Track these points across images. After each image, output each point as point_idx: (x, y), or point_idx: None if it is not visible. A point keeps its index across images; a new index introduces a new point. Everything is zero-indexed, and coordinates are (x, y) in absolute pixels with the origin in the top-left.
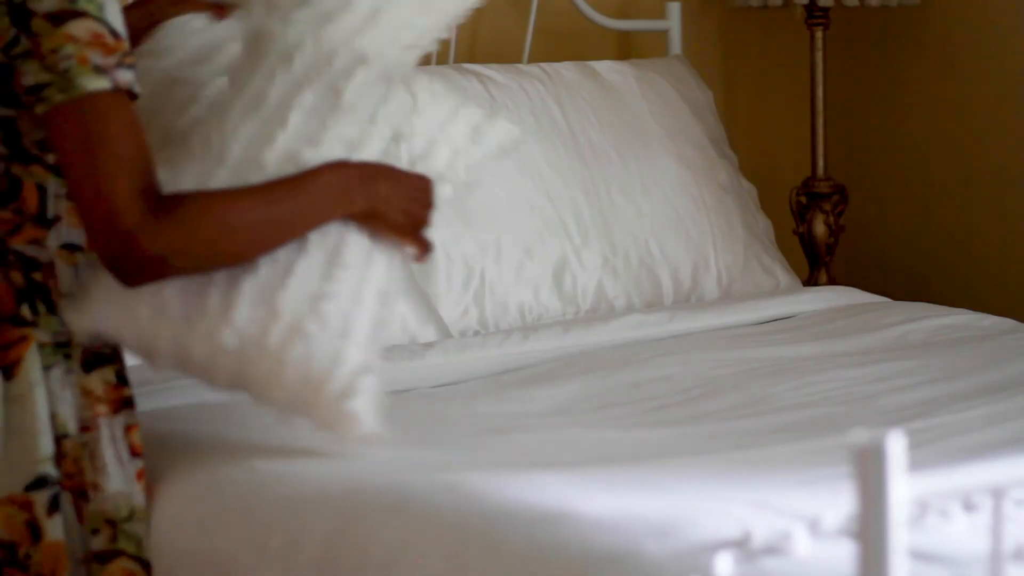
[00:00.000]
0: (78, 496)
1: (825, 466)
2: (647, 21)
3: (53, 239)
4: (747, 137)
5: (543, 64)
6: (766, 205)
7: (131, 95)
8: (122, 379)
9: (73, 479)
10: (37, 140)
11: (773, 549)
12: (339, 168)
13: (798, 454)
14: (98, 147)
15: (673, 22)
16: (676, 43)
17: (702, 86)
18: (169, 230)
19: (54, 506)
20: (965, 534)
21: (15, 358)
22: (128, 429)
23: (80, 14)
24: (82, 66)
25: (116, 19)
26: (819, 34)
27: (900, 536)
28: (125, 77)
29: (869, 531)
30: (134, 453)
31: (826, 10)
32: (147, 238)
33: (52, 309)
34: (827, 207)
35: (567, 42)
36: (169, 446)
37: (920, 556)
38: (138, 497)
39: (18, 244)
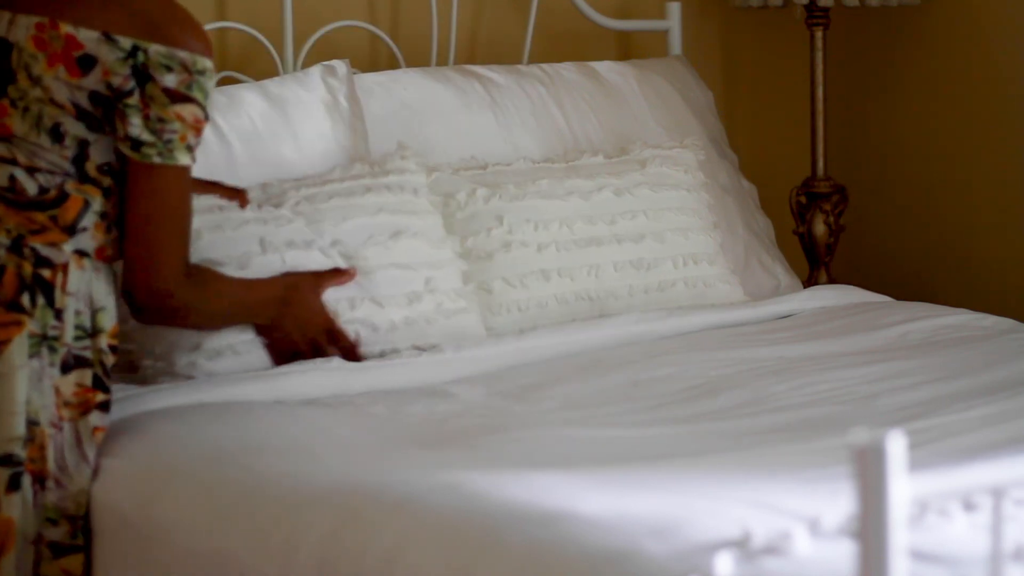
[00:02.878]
0: (36, 481)
1: (825, 466)
2: (647, 21)
3: (71, 245)
4: (747, 137)
5: (543, 64)
6: (766, 205)
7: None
8: (99, 383)
9: (35, 464)
10: (100, 164)
11: (773, 549)
12: (262, 285)
13: (798, 454)
14: (167, 213)
15: (673, 22)
16: (676, 43)
17: (702, 86)
18: (193, 291)
19: (14, 485)
20: (965, 534)
21: (4, 338)
22: (95, 431)
23: (192, 100)
24: (181, 143)
25: (212, 104)
26: (819, 34)
27: (900, 536)
28: (198, 150)
29: (869, 531)
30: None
31: (826, 10)
32: (179, 295)
33: (51, 303)
34: (827, 207)
35: (567, 42)
36: (169, 446)
37: (920, 556)
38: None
39: (37, 243)
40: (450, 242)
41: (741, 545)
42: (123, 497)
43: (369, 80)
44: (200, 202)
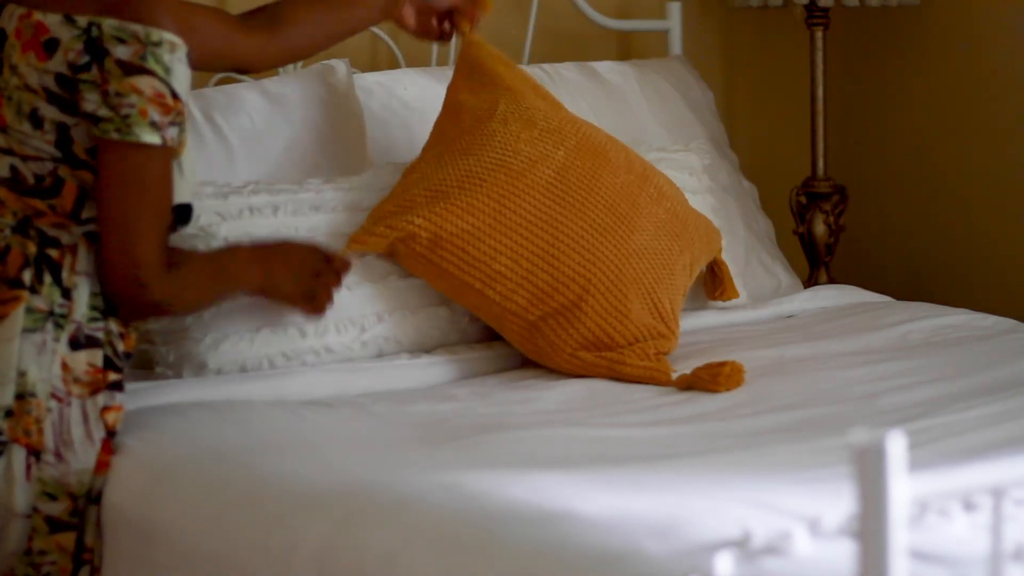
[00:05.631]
0: (31, 455)
1: (825, 466)
2: (647, 21)
3: (77, 228)
4: (747, 137)
5: (543, 64)
6: (766, 205)
7: (172, 151)
8: (110, 363)
9: (30, 438)
10: (88, 148)
11: (773, 549)
12: (237, 252)
13: (798, 454)
14: (138, 198)
15: (673, 22)
16: (676, 43)
17: (702, 86)
18: (168, 283)
19: None
20: (965, 534)
21: (2, 313)
22: (105, 410)
23: (148, 72)
24: (141, 117)
25: (180, 83)
26: (819, 34)
27: (900, 536)
28: (171, 134)
29: (869, 531)
30: (109, 432)
31: (826, 10)
32: (155, 287)
33: (58, 282)
34: (827, 207)
35: (567, 42)
36: (169, 444)
37: (920, 556)
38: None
39: (43, 224)
40: None
41: (741, 545)
42: (123, 494)
43: (369, 80)
44: (230, 205)
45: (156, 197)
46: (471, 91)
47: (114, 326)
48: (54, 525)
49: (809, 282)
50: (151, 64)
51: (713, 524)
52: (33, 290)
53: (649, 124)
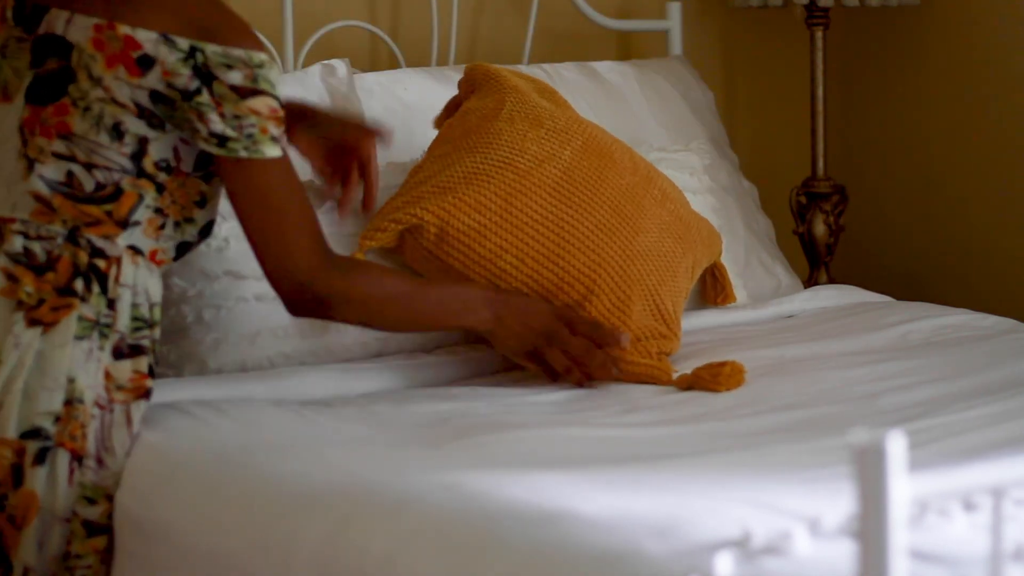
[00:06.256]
0: (75, 460)
1: (825, 466)
2: (647, 21)
3: (124, 239)
4: (747, 137)
5: (543, 64)
6: (766, 205)
7: (288, 156)
8: (152, 371)
9: (75, 443)
10: (157, 160)
11: (773, 549)
12: (474, 288)
13: (798, 454)
14: (282, 208)
15: (673, 22)
16: (676, 43)
17: (702, 86)
18: (337, 279)
19: (40, 459)
20: (965, 534)
21: (54, 320)
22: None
23: (261, 92)
24: (263, 135)
25: (282, 92)
26: (819, 34)
27: (900, 536)
28: (285, 142)
29: (869, 531)
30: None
31: (826, 10)
32: (319, 284)
33: (105, 292)
34: (827, 207)
35: (567, 42)
36: (170, 443)
37: (920, 556)
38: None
39: (92, 234)
40: None
41: (741, 545)
42: (124, 494)
43: (369, 80)
44: (231, 205)
45: (293, 202)
46: (478, 98)
47: (157, 334)
48: (91, 529)
49: (809, 282)
50: (263, 85)
51: (713, 524)
52: (83, 299)
53: (649, 124)
